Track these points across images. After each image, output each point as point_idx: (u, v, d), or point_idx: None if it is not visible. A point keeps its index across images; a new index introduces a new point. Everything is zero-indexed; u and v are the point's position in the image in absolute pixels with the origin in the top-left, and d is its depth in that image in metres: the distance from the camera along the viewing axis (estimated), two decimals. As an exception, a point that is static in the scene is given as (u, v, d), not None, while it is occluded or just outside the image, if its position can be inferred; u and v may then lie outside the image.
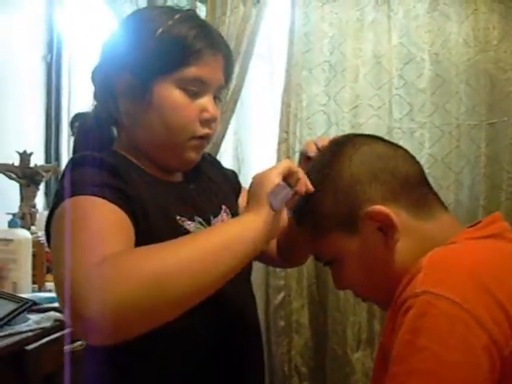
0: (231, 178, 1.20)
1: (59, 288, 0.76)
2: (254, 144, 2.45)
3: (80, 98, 2.66)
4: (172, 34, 0.95)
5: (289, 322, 2.39)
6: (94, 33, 2.61)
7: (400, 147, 0.94)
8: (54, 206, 0.88)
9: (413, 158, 0.92)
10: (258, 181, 0.87)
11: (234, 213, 1.10)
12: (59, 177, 2.58)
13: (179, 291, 0.74)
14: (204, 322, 0.97)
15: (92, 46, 2.62)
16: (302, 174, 0.89)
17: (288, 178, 0.88)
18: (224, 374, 1.00)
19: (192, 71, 0.95)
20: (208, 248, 0.78)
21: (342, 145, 0.92)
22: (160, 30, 0.95)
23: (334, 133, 2.32)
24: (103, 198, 0.84)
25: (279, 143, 2.32)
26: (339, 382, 2.38)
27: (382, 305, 0.94)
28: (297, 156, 2.31)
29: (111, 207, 0.85)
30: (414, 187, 0.88)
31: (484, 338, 0.67)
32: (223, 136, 2.29)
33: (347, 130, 2.30)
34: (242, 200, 1.15)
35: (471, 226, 0.88)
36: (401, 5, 2.35)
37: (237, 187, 1.19)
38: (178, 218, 0.97)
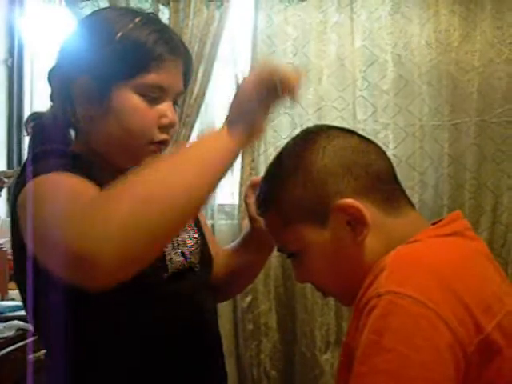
0: None
1: (54, 244, 0.74)
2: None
3: (42, 102, 2.62)
4: (132, 38, 0.94)
5: (257, 325, 2.38)
6: (55, 36, 2.57)
7: (372, 142, 0.92)
8: (16, 192, 0.86)
9: (384, 153, 0.91)
10: (238, 98, 0.84)
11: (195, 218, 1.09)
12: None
13: (173, 204, 0.75)
14: (164, 331, 0.96)
15: (53, 49, 2.60)
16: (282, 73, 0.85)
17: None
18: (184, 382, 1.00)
19: (152, 77, 0.94)
20: (190, 171, 0.78)
21: (315, 134, 0.89)
22: (120, 34, 0.93)
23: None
24: (68, 172, 0.85)
25: (244, 146, 2.32)
26: (309, 384, 2.38)
27: (344, 300, 0.92)
28: (261, 159, 2.31)
29: (80, 178, 0.85)
30: (385, 183, 0.87)
31: (448, 336, 0.67)
32: (188, 140, 2.28)
33: (312, 131, 2.30)
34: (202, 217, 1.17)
35: (434, 224, 0.89)
36: (363, 7, 2.36)
37: None
38: None
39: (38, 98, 2.67)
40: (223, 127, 0.84)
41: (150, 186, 0.76)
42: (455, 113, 2.35)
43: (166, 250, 0.98)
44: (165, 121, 0.96)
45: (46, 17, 2.57)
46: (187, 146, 0.86)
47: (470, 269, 0.77)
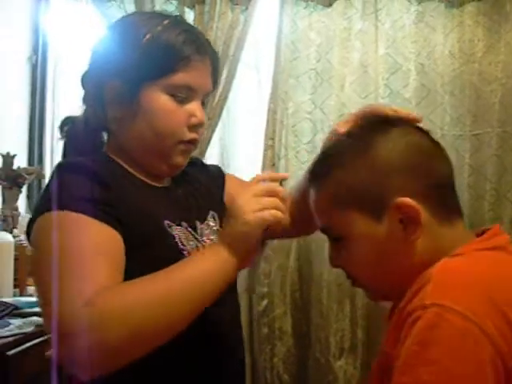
0: (215, 173, 1.19)
1: (47, 320, 0.82)
2: (239, 150, 2.45)
3: (64, 100, 2.64)
4: (160, 39, 0.96)
5: (272, 329, 2.39)
6: (79, 34, 2.59)
7: (442, 148, 0.90)
8: (38, 210, 0.88)
9: (449, 160, 0.90)
10: (239, 218, 0.87)
11: (221, 214, 1.09)
12: (42, 180, 2.56)
13: (158, 326, 0.81)
14: (189, 332, 0.96)
15: (78, 47, 2.62)
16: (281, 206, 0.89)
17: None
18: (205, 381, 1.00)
19: (180, 77, 0.95)
20: (189, 282, 0.84)
21: (391, 125, 0.87)
22: (148, 36, 0.95)
23: (320, 140, 2.33)
24: (89, 215, 0.86)
25: (265, 150, 2.33)
26: (321, 390, 2.38)
27: (375, 295, 0.92)
28: (282, 163, 2.32)
29: (97, 226, 0.86)
30: (444, 190, 0.86)
31: (491, 351, 0.67)
32: (209, 142, 2.29)
33: (333, 137, 2.30)
34: (230, 186, 1.17)
35: (477, 235, 0.88)
36: (388, 15, 2.37)
37: (221, 181, 1.18)
38: (166, 223, 0.97)
39: (61, 96, 2.68)
40: (222, 246, 0.87)
41: (152, 315, 0.80)
42: (477, 123, 2.35)
43: (188, 249, 0.99)
44: (194, 120, 0.98)
45: (71, 14, 2.59)
46: (186, 266, 0.88)
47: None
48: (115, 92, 0.97)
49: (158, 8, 2.40)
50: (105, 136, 1.05)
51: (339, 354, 2.36)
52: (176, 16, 1.05)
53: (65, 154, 1.06)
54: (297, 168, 2.34)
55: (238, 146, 2.44)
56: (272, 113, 2.31)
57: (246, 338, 2.38)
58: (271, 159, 2.31)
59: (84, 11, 2.51)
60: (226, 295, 1.07)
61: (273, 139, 2.31)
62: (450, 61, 2.36)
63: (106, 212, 0.87)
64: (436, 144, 0.89)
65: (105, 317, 0.77)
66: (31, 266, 0.92)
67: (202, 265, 0.86)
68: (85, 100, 1.03)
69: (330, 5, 2.36)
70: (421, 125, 0.92)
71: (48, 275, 0.81)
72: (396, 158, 0.84)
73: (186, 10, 2.39)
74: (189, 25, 1.04)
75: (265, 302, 2.36)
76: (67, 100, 2.62)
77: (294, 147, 2.34)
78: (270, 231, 1.18)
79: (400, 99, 2.35)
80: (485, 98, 2.35)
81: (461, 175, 2.35)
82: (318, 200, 0.90)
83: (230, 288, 1.10)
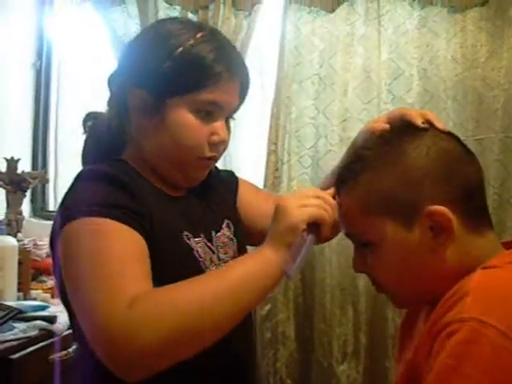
0: (228, 179, 1.19)
1: (87, 324, 0.82)
2: (242, 155, 2.45)
3: (68, 105, 2.65)
4: (191, 54, 0.95)
5: (275, 333, 2.39)
6: (83, 39, 2.61)
7: (474, 155, 0.88)
8: (64, 217, 0.87)
9: (481, 168, 0.88)
10: (282, 214, 0.87)
11: (235, 220, 1.10)
12: (46, 184, 2.58)
13: (199, 338, 0.81)
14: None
15: (81, 52, 2.63)
16: (332, 208, 0.88)
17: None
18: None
19: (208, 95, 0.95)
20: (232, 284, 0.83)
21: (421, 130, 0.86)
22: (180, 50, 0.95)
23: (323, 146, 2.34)
24: (118, 220, 0.86)
25: (268, 155, 2.33)
26: (324, 395, 2.38)
27: (399, 302, 0.91)
28: (285, 168, 2.32)
29: (127, 232, 0.86)
30: (476, 199, 0.84)
31: None
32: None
33: (336, 143, 2.31)
34: (242, 192, 1.17)
35: (506, 245, 0.86)
36: (391, 21, 2.37)
37: (234, 187, 1.18)
38: (184, 233, 0.98)
39: (65, 101, 2.70)
40: (266, 246, 0.87)
41: (188, 318, 0.79)
42: (479, 128, 2.34)
43: (206, 268, 0.99)
44: (215, 138, 0.97)
45: (74, 19, 2.60)
46: (231, 267, 0.89)
47: None
48: (140, 101, 0.97)
49: (161, 13, 2.41)
50: (125, 139, 1.04)
51: (342, 358, 2.36)
52: (211, 29, 1.03)
53: (85, 151, 1.07)
54: (300, 173, 2.34)
55: (241, 151, 2.45)
56: (275, 118, 2.32)
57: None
58: (274, 164, 2.31)
59: (87, 16, 2.52)
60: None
61: (276, 144, 2.31)
62: (452, 66, 2.36)
63: (133, 218, 0.88)
64: (467, 151, 0.87)
65: (153, 318, 0.77)
66: (64, 272, 0.88)
67: (247, 266, 0.86)
68: (109, 102, 1.03)
69: (333, 10, 2.36)
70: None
71: (88, 280, 0.81)
72: (428, 165, 0.82)
73: (190, 15, 2.40)
74: (224, 40, 1.02)
75: (268, 307, 2.37)
76: (71, 105, 2.64)
77: (297, 152, 2.34)
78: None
79: (403, 104, 2.34)
80: (487, 104, 2.34)
81: (463, 180, 2.34)
82: (346, 205, 0.88)
83: None
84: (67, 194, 0.92)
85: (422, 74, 2.36)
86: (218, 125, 0.97)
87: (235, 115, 1.03)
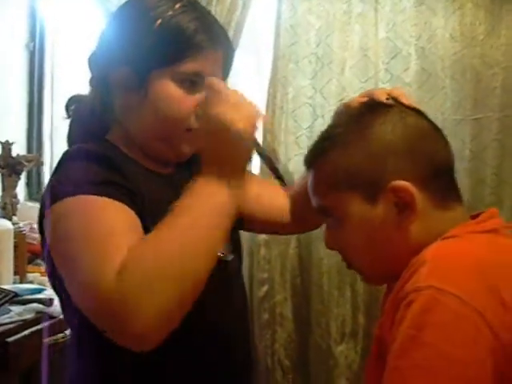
0: None
1: (82, 299, 0.80)
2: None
3: (63, 87, 2.63)
4: (171, 26, 0.94)
5: (272, 314, 2.38)
6: (77, 21, 2.58)
7: (441, 131, 0.90)
8: (54, 197, 0.86)
9: (449, 145, 0.90)
10: (217, 127, 0.82)
11: None
12: (41, 167, 2.56)
13: (193, 273, 0.78)
14: (199, 322, 0.97)
15: (75, 33, 2.60)
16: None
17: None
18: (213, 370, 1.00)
19: (190, 66, 0.94)
20: (204, 225, 0.80)
21: (387, 107, 0.88)
22: (159, 21, 0.93)
23: (320, 126, 2.31)
24: (108, 196, 0.84)
25: (264, 134, 2.31)
26: (322, 375, 2.38)
27: (368, 278, 0.93)
28: (281, 148, 2.30)
29: (117, 206, 0.84)
30: (443, 175, 0.86)
31: (489, 336, 0.67)
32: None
33: (333, 122, 2.29)
34: None
35: (472, 217, 0.87)
36: (388, -2, 2.34)
37: None
38: None
39: (59, 83, 2.67)
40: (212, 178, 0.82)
41: (172, 258, 0.77)
42: (478, 107, 2.33)
43: None
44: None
45: (67, 1, 2.57)
46: (187, 199, 0.83)
47: (509, 267, 0.77)
48: (123, 78, 0.95)
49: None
50: (109, 120, 1.03)
51: (340, 339, 2.36)
52: (190, 0, 1.00)
53: (69, 135, 1.05)
54: (296, 153, 2.32)
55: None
56: (271, 98, 2.29)
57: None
58: (271, 144, 2.29)
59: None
60: (234, 286, 1.08)
61: (272, 124, 2.29)
62: (450, 44, 2.33)
63: (124, 195, 0.86)
64: (435, 128, 0.89)
65: (145, 283, 0.74)
66: (55, 252, 0.86)
67: (207, 205, 0.82)
68: (91, 83, 1.02)
69: (330, -12, 2.33)
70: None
71: (78, 255, 0.79)
72: (393, 141, 0.83)
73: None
74: (203, 10, 1.01)
75: (265, 288, 2.36)
76: (65, 87, 2.62)
77: (294, 132, 2.32)
78: (273, 226, 1.18)
79: (400, 83, 2.32)
80: (486, 82, 2.32)
81: (461, 160, 2.33)
82: (314, 180, 0.90)
83: (237, 277, 1.11)
84: (54, 173, 0.91)
85: (419, 53, 2.33)
86: (203, 95, 0.96)
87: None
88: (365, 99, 0.92)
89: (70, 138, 1.06)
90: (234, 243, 1.08)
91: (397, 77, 2.32)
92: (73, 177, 0.87)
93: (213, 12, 2.29)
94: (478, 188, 2.34)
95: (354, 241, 0.87)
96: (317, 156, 0.89)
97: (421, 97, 2.32)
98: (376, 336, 0.81)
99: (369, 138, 0.84)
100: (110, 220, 0.83)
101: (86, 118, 1.03)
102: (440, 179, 0.85)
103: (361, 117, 0.88)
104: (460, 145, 2.34)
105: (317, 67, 2.32)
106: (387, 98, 0.89)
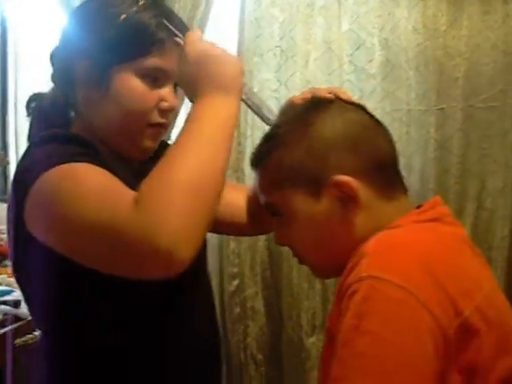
0: None
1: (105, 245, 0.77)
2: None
3: (26, 84, 2.59)
4: (134, 21, 0.94)
5: (244, 309, 2.39)
6: (39, 17, 2.54)
7: (382, 124, 0.91)
8: (27, 182, 0.83)
9: (391, 138, 0.91)
10: (218, 61, 0.86)
11: None
12: (7, 166, 2.52)
13: (214, 184, 0.77)
14: (162, 314, 0.97)
15: (38, 29, 2.56)
16: None
17: None
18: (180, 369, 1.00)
19: (153, 61, 0.94)
20: (215, 139, 0.80)
21: (327, 103, 0.89)
22: (122, 17, 0.94)
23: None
24: (88, 162, 0.83)
25: (231, 129, 2.30)
26: (295, 368, 2.39)
27: (318, 272, 0.94)
28: (248, 142, 2.30)
29: (100, 169, 0.84)
30: (386, 167, 0.87)
31: (428, 320, 0.68)
32: (174, 123, 2.26)
33: (299, 115, 2.29)
34: None
35: (418, 207, 0.89)
36: (351, -10, 2.35)
37: None
38: None
39: (22, 80, 2.63)
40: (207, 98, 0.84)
41: (190, 171, 0.76)
42: (442, 98, 2.35)
43: None
44: (164, 105, 0.96)
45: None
46: (192, 124, 0.83)
47: (449, 254, 0.78)
48: (85, 72, 0.95)
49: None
50: (72, 116, 1.02)
51: (311, 331, 2.37)
52: None
53: (30, 132, 1.04)
54: (263, 147, 2.32)
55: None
56: (237, 92, 2.29)
57: (219, 319, 2.38)
58: (237, 138, 2.29)
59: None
60: (199, 285, 1.08)
61: (238, 119, 2.29)
62: (413, 36, 2.35)
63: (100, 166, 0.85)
64: (376, 121, 0.90)
65: (160, 198, 0.73)
66: (55, 230, 0.82)
67: (218, 115, 0.82)
68: (53, 78, 1.01)
69: (293, -19, 2.33)
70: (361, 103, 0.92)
71: (84, 212, 0.77)
72: (334, 135, 0.85)
73: (147, -11, 2.35)
74: (166, 7, 1.01)
75: (236, 282, 2.36)
76: (29, 84, 2.58)
77: (260, 126, 2.32)
78: (234, 228, 1.18)
79: (365, 75, 2.34)
80: (449, 73, 2.35)
81: (427, 150, 2.36)
82: (260, 180, 0.92)
83: (203, 275, 1.11)
84: (22, 160, 0.89)
85: (383, 44, 2.34)
86: (166, 90, 0.97)
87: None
88: (307, 96, 0.93)
89: (31, 136, 1.04)
90: None
91: (361, 68, 2.34)
92: (45, 157, 0.85)
93: (177, 7, 2.28)
94: (443, 177, 2.36)
95: (301, 236, 0.88)
96: (261, 157, 0.91)
97: (385, 88, 2.35)
98: (326, 328, 0.82)
99: (310, 134, 0.85)
100: (99, 176, 0.82)
101: (47, 115, 1.02)
102: (383, 172, 0.86)
103: (303, 114, 0.89)
104: (425, 135, 2.37)
105: (281, 60, 2.32)
106: (328, 95, 0.90)
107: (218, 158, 0.79)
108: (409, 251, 0.75)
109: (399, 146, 2.32)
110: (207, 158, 0.78)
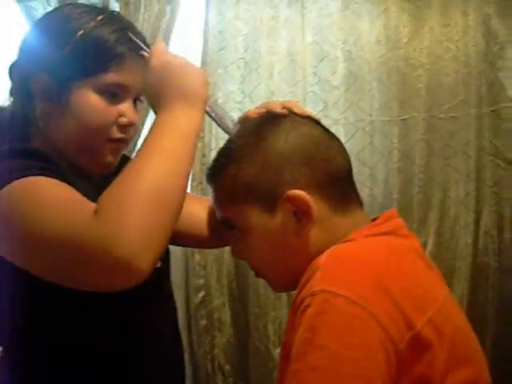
0: None
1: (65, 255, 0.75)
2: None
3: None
4: (93, 37, 0.94)
5: (210, 320, 2.38)
6: (2, 32, 2.52)
7: (336, 137, 0.92)
8: None
9: (345, 150, 0.92)
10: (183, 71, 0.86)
11: None
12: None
13: (174, 194, 0.77)
14: (122, 327, 0.96)
15: (1, 45, 2.54)
16: None
17: None
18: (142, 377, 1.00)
19: (111, 77, 0.94)
20: (177, 151, 0.80)
21: (281, 117, 0.89)
22: (81, 32, 0.93)
23: (252, 130, 2.33)
24: (46, 176, 0.83)
25: (195, 141, 2.30)
26: (263, 378, 2.39)
27: (275, 286, 0.94)
28: (212, 154, 2.30)
29: (60, 182, 0.83)
30: (340, 181, 0.88)
31: (379, 333, 0.69)
32: (139, 135, 2.26)
33: (263, 127, 2.30)
34: None
35: (373, 220, 0.90)
36: (314, 3, 2.36)
37: None
38: None
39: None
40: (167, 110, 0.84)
41: (151, 182, 0.76)
42: (404, 108, 2.38)
43: None
44: (123, 120, 0.97)
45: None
46: (153, 136, 0.83)
47: (401, 267, 0.79)
48: (43, 87, 0.94)
49: (82, 0, 2.35)
50: (30, 130, 1.01)
51: (278, 341, 2.37)
52: (112, 12, 1.03)
53: None
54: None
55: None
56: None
57: (184, 331, 2.37)
58: (202, 150, 2.29)
59: (6, 7, 2.44)
60: (166, 306, 1.08)
61: (202, 130, 2.29)
62: (376, 47, 2.38)
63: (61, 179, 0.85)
64: (330, 135, 0.91)
65: (120, 209, 0.73)
66: (12, 232, 0.81)
67: (181, 128, 0.83)
68: (12, 92, 1.01)
69: (256, -6, 2.35)
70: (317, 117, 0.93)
71: (45, 225, 0.76)
72: (288, 151, 0.85)
73: (111, 1, 2.34)
74: (125, 22, 1.01)
75: (202, 294, 2.36)
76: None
77: (225, 138, 2.32)
78: (195, 240, 1.18)
79: (328, 86, 2.36)
80: (411, 84, 2.38)
81: (390, 160, 2.39)
82: (215, 195, 0.93)
83: (168, 298, 1.11)
84: None
85: (346, 56, 2.37)
86: (126, 106, 0.97)
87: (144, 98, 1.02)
88: (262, 111, 0.93)
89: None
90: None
91: (324, 80, 2.36)
92: (4, 171, 0.83)
93: (141, 18, 2.29)
94: (406, 187, 2.39)
95: (257, 251, 0.89)
96: (215, 172, 0.92)
97: (349, 99, 2.37)
98: (283, 342, 0.83)
99: (263, 149, 0.86)
100: (61, 189, 0.82)
101: (5, 129, 1.01)
102: (337, 185, 0.87)
103: (256, 129, 0.90)
104: (388, 145, 2.40)
105: (245, 72, 2.34)
106: (281, 109, 0.90)
107: (178, 170, 0.79)
108: (360, 265, 0.76)
109: (363, 157, 2.37)
110: (168, 170, 0.78)
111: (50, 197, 0.79)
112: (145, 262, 0.72)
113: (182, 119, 0.83)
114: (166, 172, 0.77)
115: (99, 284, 0.76)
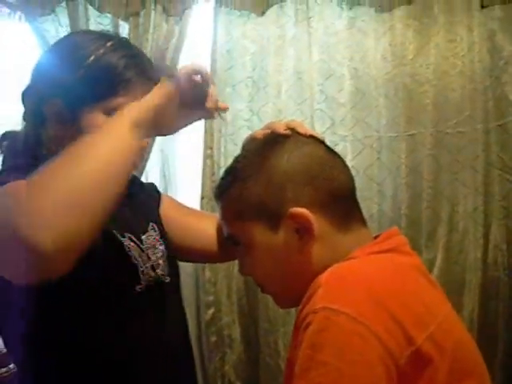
0: (151, 189, 1.22)
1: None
2: (180, 161, 2.45)
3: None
4: (102, 62, 0.97)
5: (221, 336, 2.40)
6: (14, 52, 2.56)
7: (338, 156, 0.94)
8: None
9: (347, 169, 0.93)
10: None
11: (159, 225, 1.12)
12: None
13: (97, 199, 0.78)
14: (134, 342, 0.98)
15: (12, 64, 2.58)
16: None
17: None
18: None
19: (119, 101, 0.96)
20: (106, 159, 0.81)
21: (284, 137, 0.92)
22: (91, 59, 0.97)
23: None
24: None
25: (204, 159, 2.34)
26: (273, 394, 2.40)
27: (280, 302, 0.96)
28: (221, 171, 2.32)
29: None
30: (344, 200, 0.89)
31: (380, 350, 0.70)
32: (149, 153, 2.29)
33: (271, 144, 2.32)
34: (166, 206, 1.18)
35: (376, 237, 0.91)
36: (320, 21, 2.40)
37: (157, 196, 1.21)
38: (112, 231, 0.99)
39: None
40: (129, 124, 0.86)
41: (77, 187, 0.77)
42: (411, 124, 2.40)
43: (137, 262, 1.00)
44: None
45: (4, 32, 2.55)
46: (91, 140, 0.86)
47: (402, 284, 0.81)
48: (55, 111, 0.98)
49: (92, 21, 2.39)
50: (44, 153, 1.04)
51: (288, 357, 2.38)
52: (121, 38, 1.06)
53: (2, 171, 1.06)
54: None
55: (178, 157, 2.44)
56: (209, 122, 2.32)
57: (195, 348, 2.38)
58: (211, 168, 2.32)
59: (17, 27, 2.48)
60: (170, 307, 1.10)
61: (211, 148, 2.32)
62: (382, 64, 2.41)
63: None
64: (334, 154, 0.93)
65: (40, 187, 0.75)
66: None
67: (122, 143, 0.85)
68: (24, 117, 1.04)
69: (263, 13, 2.38)
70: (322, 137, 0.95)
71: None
72: (291, 170, 0.87)
73: (121, 22, 2.38)
74: (134, 48, 1.05)
75: (211, 311, 2.37)
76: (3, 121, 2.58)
77: (234, 155, 2.34)
78: (204, 256, 1.20)
79: (335, 104, 2.39)
80: (417, 100, 2.40)
81: (398, 176, 2.40)
82: (221, 212, 0.95)
83: (174, 299, 1.13)
84: None
85: (353, 74, 2.40)
86: None
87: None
88: (267, 131, 0.96)
89: (2, 174, 1.06)
90: (172, 266, 1.10)
91: (331, 98, 2.38)
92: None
93: (150, 40, 2.32)
94: (415, 202, 2.40)
95: (262, 267, 0.91)
96: (222, 190, 0.94)
97: (356, 116, 2.39)
98: (287, 358, 0.84)
99: (267, 169, 0.88)
100: (20, 184, 0.81)
101: (19, 153, 1.04)
102: (340, 204, 0.88)
103: (260, 149, 0.92)
104: (396, 161, 2.41)
105: (253, 91, 2.37)
106: (285, 129, 0.92)
107: (99, 175, 0.80)
108: (361, 283, 0.77)
109: (371, 173, 2.39)
110: (88, 170, 0.79)
111: (9, 190, 0.81)
112: (42, 237, 0.71)
113: (124, 135, 0.86)
114: (83, 171, 0.79)
115: (10, 265, 0.77)
